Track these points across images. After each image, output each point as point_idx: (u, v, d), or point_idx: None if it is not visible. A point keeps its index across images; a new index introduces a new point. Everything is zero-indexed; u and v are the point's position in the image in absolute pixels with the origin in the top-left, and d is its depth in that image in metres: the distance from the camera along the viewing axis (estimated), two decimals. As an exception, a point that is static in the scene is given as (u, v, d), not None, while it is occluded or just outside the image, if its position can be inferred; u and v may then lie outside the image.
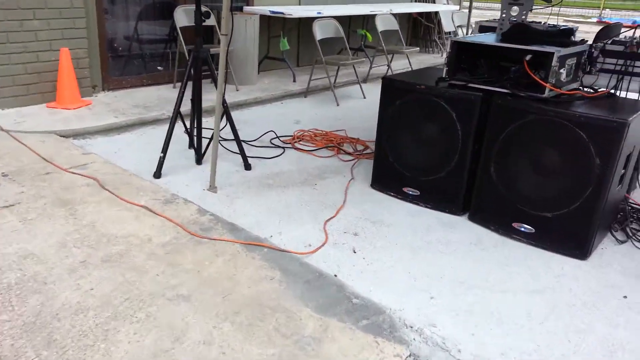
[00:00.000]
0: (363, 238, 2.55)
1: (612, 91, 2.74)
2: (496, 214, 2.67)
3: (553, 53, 2.38)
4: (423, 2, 8.43)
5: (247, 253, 2.32)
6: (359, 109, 5.09)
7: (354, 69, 5.66)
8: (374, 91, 5.84)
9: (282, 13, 5.41)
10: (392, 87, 2.92)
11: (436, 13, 8.20)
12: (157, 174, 3.12)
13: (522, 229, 2.58)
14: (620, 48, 2.77)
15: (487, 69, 2.74)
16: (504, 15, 3.19)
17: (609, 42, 2.87)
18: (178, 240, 2.39)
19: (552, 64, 2.39)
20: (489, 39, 2.78)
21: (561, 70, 2.44)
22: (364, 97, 5.53)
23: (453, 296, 2.10)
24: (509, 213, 2.62)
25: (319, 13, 5.56)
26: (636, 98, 2.77)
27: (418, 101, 2.82)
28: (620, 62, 2.76)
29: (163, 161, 3.14)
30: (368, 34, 6.89)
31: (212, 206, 2.78)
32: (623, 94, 2.77)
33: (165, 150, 3.14)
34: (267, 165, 3.49)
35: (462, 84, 2.70)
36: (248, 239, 2.44)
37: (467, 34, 6.52)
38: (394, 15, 6.53)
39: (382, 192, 3.09)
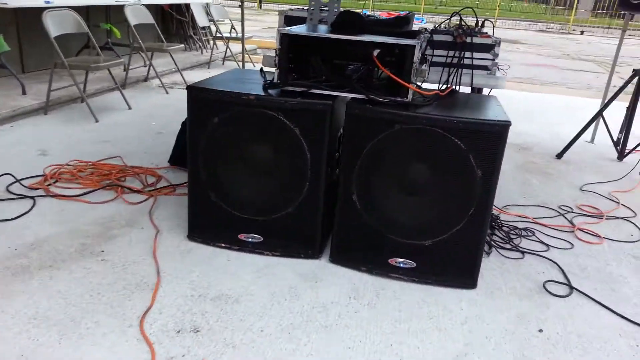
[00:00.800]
0: (210, 335, 1.68)
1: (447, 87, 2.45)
2: (366, 250, 2.12)
3: (414, 46, 1.90)
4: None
5: None
6: (129, 125, 3.96)
7: (110, 73, 4.45)
8: (139, 99, 4.75)
9: (-10, 0, 3.84)
10: (205, 100, 2.06)
11: (187, 6, 7.34)
12: None
13: (401, 265, 2.08)
14: (449, 38, 2.50)
15: (323, 69, 2.13)
16: (313, 3, 2.62)
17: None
18: None
19: (414, 60, 1.92)
20: (322, 30, 2.17)
21: (424, 67, 2.00)
22: (129, 108, 4.39)
23: (377, 402, 1.45)
24: (381, 247, 2.09)
25: (48, 2, 4.15)
26: (468, 92, 2.56)
27: (245, 117, 2.04)
28: (451, 53, 2.49)
29: None
30: (115, 29, 5.64)
31: None
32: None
33: None
34: (10, 232, 2.23)
35: (302, 90, 2.03)
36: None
37: (242, 30, 5.88)
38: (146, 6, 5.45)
39: (209, 244, 2.23)
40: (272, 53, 2.14)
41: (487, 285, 2.09)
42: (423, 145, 1.94)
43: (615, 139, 3.87)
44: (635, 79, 3.69)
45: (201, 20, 7.00)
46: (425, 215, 2.03)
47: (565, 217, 2.79)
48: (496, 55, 2.53)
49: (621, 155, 3.82)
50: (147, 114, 4.32)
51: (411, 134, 1.94)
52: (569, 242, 2.50)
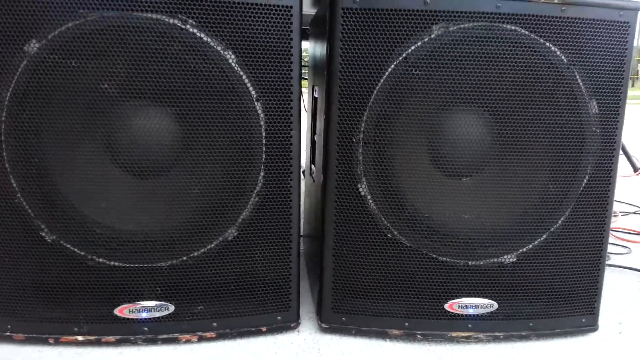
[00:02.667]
0: None
1: None
2: (395, 291, 1.06)
3: None
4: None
5: None
6: None
7: None
8: None
9: None
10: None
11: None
12: None
13: (471, 312, 1.06)
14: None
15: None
16: None
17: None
18: None
19: None
20: None
21: None
22: None
23: None
24: (426, 280, 1.05)
25: None
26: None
27: (109, 34, 0.88)
28: None
29: None
30: None
31: None
32: None
33: None
34: None
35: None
36: None
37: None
38: None
39: (44, 341, 0.97)
40: None
41: (608, 321, 1.17)
42: (490, 64, 0.98)
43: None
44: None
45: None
46: (498, 209, 1.05)
47: None
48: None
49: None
50: None
51: (467, 43, 0.97)
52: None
